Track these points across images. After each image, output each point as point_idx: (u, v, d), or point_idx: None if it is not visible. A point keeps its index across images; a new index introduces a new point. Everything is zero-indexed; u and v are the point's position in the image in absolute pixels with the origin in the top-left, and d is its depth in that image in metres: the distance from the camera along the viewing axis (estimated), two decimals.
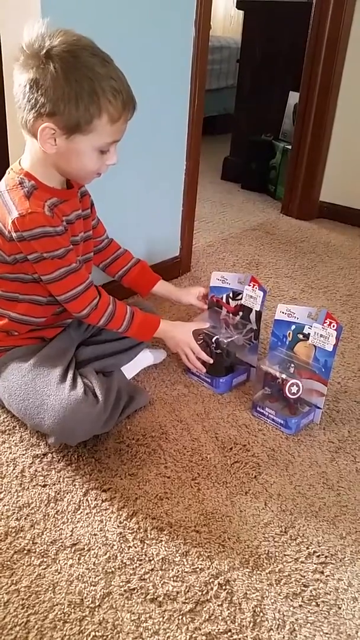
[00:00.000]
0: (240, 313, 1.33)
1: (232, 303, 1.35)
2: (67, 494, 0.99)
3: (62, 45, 0.90)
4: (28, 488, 1.00)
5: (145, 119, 1.54)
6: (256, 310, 1.30)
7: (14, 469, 1.04)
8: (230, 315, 1.35)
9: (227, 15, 4.94)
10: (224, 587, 0.85)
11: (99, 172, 1.05)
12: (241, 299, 1.32)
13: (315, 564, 0.90)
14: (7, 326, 1.11)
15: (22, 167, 1.03)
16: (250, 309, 1.30)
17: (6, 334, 1.12)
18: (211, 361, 1.26)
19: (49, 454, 1.07)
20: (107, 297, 1.11)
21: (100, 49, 0.96)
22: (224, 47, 4.00)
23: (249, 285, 1.30)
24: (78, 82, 0.91)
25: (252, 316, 1.31)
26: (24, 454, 1.07)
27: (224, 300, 1.36)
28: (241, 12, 3.06)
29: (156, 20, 1.46)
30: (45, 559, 0.87)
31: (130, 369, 1.28)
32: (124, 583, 0.84)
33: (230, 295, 1.35)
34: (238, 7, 3.05)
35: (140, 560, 0.88)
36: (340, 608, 0.84)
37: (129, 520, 0.95)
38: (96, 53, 0.94)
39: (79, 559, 0.88)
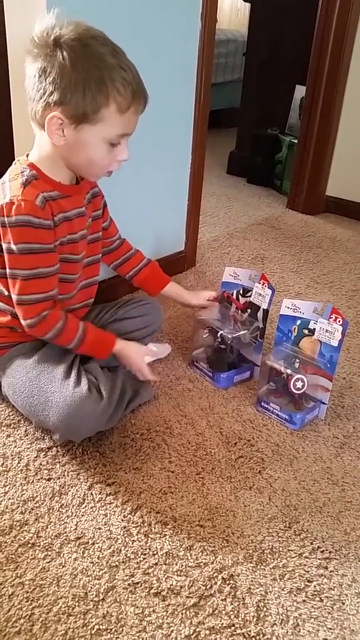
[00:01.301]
0: (249, 310, 1.33)
1: (242, 300, 1.35)
2: (72, 487, 1.00)
3: (72, 34, 0.90)
4: (33, 482, 1.00)
5: (151, 112, 1.53)
6: (263, 309, 1.29)
7: (18, 463, 1.04)
8: (239, 311, 1.35)
9: (233, 8, 4.91)
10: (227, 582, 0.85)
11: (110, 169, 1.03)
12: (251, 296, 1.32)
13: (319, 559, 0.90)
14: (11, 322, 1.10)
15: (29, 159, 1.03)
16: (258, 307, 1.30)
17: (10, 329, 1.12)
18: (156, 379, 1.23)
19: (54, 448, 1.08)
20: (59, 312, 1.05)
21: (111, 40, 0.95)
22: (230, 41, 3.97)
23: (259, 283, 1.29)
24: (86, 70, 0.90)
25: (260, 314, 1.30)
26: (28, 448, 1.08)
27: (234, 296, 1.36)
28: (247, 5, 3.05)
29: (162, 14, 1.46)
30: (49, 553, 0.88)
31: None
32: (128, 577, 0.85)
33: (241, 291, 1.35)
34: (245, 0, 3.03)
35: (145, 554, 0.89)
36: (344, 603, 0.84)
37: (133, 514, 0.95)
38: (106, 43, 0.93)
39: (83, 553, 0.88)
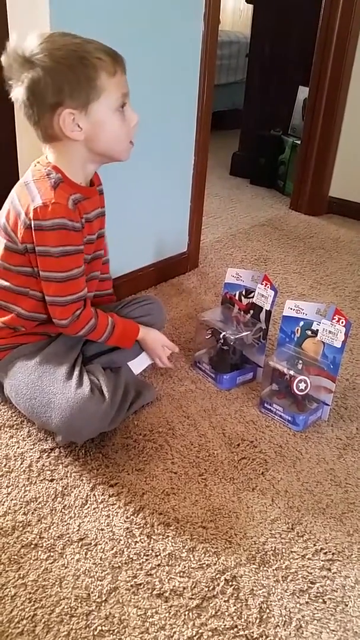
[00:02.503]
0: (251, 311, 1.33)
1: (244, 301, 1.35)
2: (75, 488, 1.00)
3: (34, 44, 0.93)
4: (35, 482, 1.00)
5: (154, 114, 1.54)
6: (266, 310, 1.29)
7: (21, 464, 1.04)
8: (242, 312, 1.35)
9: (236, 10, 4.91)
10: (230, 583, 0.85)
11: (130, 137, 1.05)
12: (253, 297, 1.32)
13: (322, 560, 0.90)
14: (15, 322, 1.10)
15: (49, 161, 1.03)
16: (261, 308, 1.30)
17: (13, 330, 1.12)
18: (176, 349, 1.28)
19: (57, 449, 1.08)
20: (90, 310, 1.09)
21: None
22: (233, 42, 3.97)
23: (261, 284, 1.29)
24: (66, 57, 0.93)
25: (262, 315, 1.30)
26: (31, 449, 1.08)
27: (237, 297, 1.36)
28: (250, 7, 3.04)
29: (165, 15, 1.46)
30: (52, 554, 0.88)
31: (137, 365, 1.27)
32: (130, 578, 0.85)
33: (243, 292, 1.35)
34: (247, 1, 3.03)
35: (147, 555, 0.88)
36: (347, 605, 0.83)
37: (135, 515, 0.95)
38: (66, 33, 0.97)
39: (85, 554, 0.88)
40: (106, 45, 0.98)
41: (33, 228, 0.99)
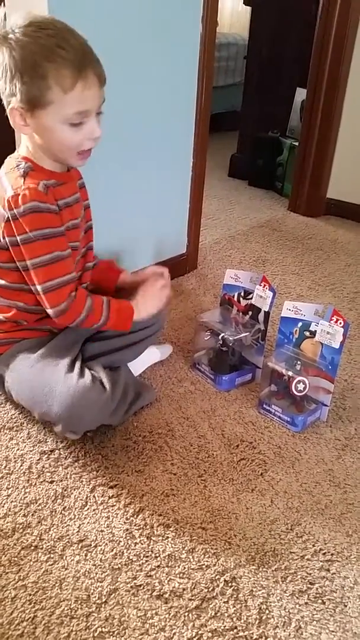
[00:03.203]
0: (250, 312, 1.33)
1: (243, 302, 1.35)
2: (74, 490, 1.00)
3: (16, 27, 0.91)
4: (35, 484, 1.00)
5: (152, 116, 1.54)
6: (265, 311, 1.29)
7: (21, 465, 1.04)
8: (240, 314, 1.35)
9: (234, 12, 4.91)
10: (230, 584, 0.85)
11: (83, 147, 1.00)
12: (252, 298, 1.32)
13: (321, 561, 0.90)
14: (16, 316, 1.11)
15: (20, 153, 1.05)
16: (260, 309, 1.30)
17: (15, 324, 1.12)
18: (166, 272, 1.23)
19: (56, 451, 1.08)
20: (83, 290, 1.09)
21: (58, 20, 0.95)
22: (231, 44, 3.98)
23: (260, 285, 1.29)
24: (23, 58, 0.91)
25: (261, 316, 1.30)
26: (31, 451, 1.08)
27: (236, 298, 1.36)
28: (248, 9, 3.05)
29: (163, 17, 1.46)
30: (52, 555, 0.88)
31: (137, 366, 1.28)
32: (130, 579, 0.85)
33: (242, 294, 1.35)
34: (245, 3, 3.03)
35: (147, 556, 0.89)
36: (346, 606, 0.84)
37: (135, 516, 0.95)
38: (45, 27, 0.92)
39: (85, 555, 0.88)
40: (82, 54, 0.93)
41: (11, 219, 0.99)
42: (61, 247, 1.03)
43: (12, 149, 1.12)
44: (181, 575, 0.86)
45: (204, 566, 0.88)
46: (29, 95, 0.93)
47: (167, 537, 0.92)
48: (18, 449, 1.08)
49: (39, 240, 1.00)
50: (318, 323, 1.20)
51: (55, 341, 1.13)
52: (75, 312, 1.05)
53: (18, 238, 1.00)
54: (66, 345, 1.12)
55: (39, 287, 1.03)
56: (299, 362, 1.22)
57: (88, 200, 1.18)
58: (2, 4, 1.08)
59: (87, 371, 1.06)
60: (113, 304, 1.11)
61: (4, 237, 1.03)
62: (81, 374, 1.05)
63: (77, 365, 1.07)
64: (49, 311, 1.05)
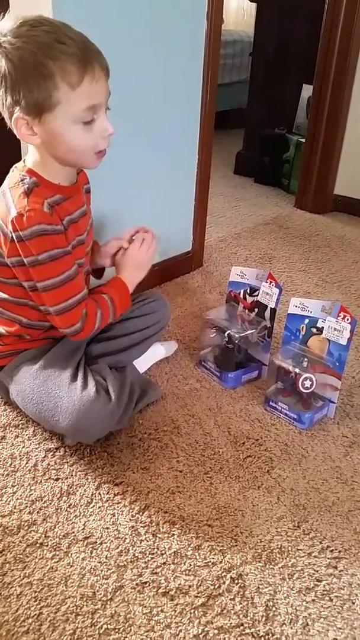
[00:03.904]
0: (256, 309, 1.32)
1: (249, 299, 1.35)
2: (80, 487, 1.00)
3: (6, 32, 0.87)
4: (41, 482, 1.00)
5: (157, 113, 1.54)
6: (271, 308, 1.29)
7: (27, 463, 1.04)
8: (246, 311, 1.35)
9: (239, 9, 4.90)
10: (236, 581, 0.85)
11: (98, 148, 0.97)
12: (258, 295, 1.31)
13: (328, 558, 0.89)
14: (19, 331, 1.10)
15: (26, 164, 1.00)
16: (266, 306, 1.30)
17: (17, 337, 1.11)
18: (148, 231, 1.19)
19: (62, 448, 1.08)
20: (90, 301, 1.05)
21: (49, 18, 0.90)
22: (236, 41, 3.97)
23: (266, 282, 1.29)
24: (22, 61, 0.86)
25: (267, 313, 1.30)
26: (37, 448, 1.08)
27: (242, 295, 1.36)
28: (254, 5, 3.04)
29: (168, 15, 1.46)
30: (57, 552, 0.88)
31: (142, 363, 1.27)
32: (136, 576, 0.84)
33: (248, 291, 1.35)
34: (251, 0, 3.02)
35: (153, 553, 0.88)
36: (354, 603, 0.83)
37: (141, 514, 0.95)
38: (38, 24, 0.87)
39: (91, 553, 0.88)
40: (84, 47, 0.88)
41: (15, 240, 0.96)
42: (70, 267, 1.00)
43: (16, 154, 1.10)
44: (187, 572, 0.86)
45: (210, 563, 0.87)
46: (35, 99, 0.88)
47: (173, 534, 0.92)
48: (23, 447, 1.08)
49: (48, 262, 0.96)
50: (325, 320, 1.19)
51: (57, 349, 1.11)
52: (89, 328, 1.05)
53: (25, 260, 0.97)
54: (68, 352, 1.11)
55: (50, 309, 1.01)
56: (305, 359, 1.21)
57: (87, 206, 1.14)
58: (7, 12, 1.06)
59: (90, 380, 1.04)
60: (115, 297, 1.10)
61: (8, 257, 1.00)
62: (85, 384, 1.03)
63: (80, 374, 1.05)
64: (64, 331, 1.04)
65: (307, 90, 2.66)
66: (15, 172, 1.01)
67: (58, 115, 0.90)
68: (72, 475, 1.02)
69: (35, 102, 0.88)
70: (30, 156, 1.01)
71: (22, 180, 0.98)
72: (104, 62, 0.92)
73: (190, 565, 0.87)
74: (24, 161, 1.02)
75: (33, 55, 0.86)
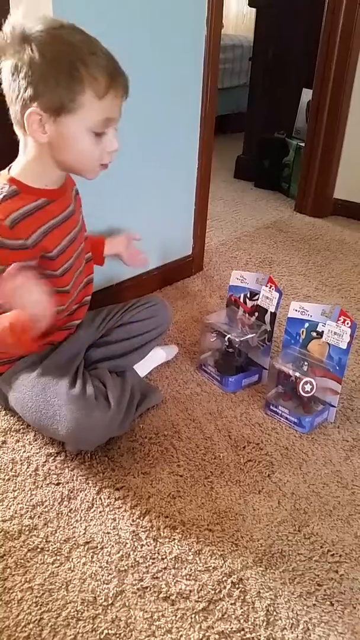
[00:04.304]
0: (256, 313, 1.32)
1: (249, 303, 1.35)
2: (81, 492, 1.00)
3: (39, 26, 0.88)
4: (42, 486, 1.00)
5: (157, 118, 1.54)
6: (271, 312, 1.29)
7: (27, 468, 1.04)
8: (247, 315, 1.35)
9: (239, 14, 4.93)
10: (237, 586, 0.85)
11: (102, 161, 0.98)
12: (258, 299, 1.31)
13: (329, 562, 0.89)
14: None
15: (10, 173, 0.99)
16: (266, 310, 1.30)
17: None
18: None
19: (62, 453, 1.08)
20: None
21: (81, 29, 0.92)
22: (236, 46, 3.99)
23: (266, 286, 1.29)
24: (56, 59, 0.87)
25: (267, 317, 1.30)
26: (37, 453, 1.08)
27: (242, 299, 1.36)
28: (254, 10, 3.05)
29: (168, 20, 1.46)
30: (58, 557, 0.88)
31: (143, 367, 1.28)
32: (136, 581, 0.84)
33: (248, 295, 1.35)
34: (250, 4, 3.03)
35: (153, 558, 0.88)
36: (355, 608, 0.83)
37: (141, 518, 0.95)
38: (75, 31, 0.90)
39: (92, 557, 0.88)
40: (113, 63, 0.92)
41: None
42: None
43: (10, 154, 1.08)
44: (188, 577, 0.86)
45: (210, 568, 0.87)
46: (60, 98, 0.88)
47: (174, 539, 0.92)
48: (24, 451, 1.08)
49: None
50: (325, 323, 1.19)
51: (55, 356, 1.10)
52: None
53: None
54: (67, 359, 1.10)
55: None
56: (306, 363, 1.21)
57: (73, 207, 1.11)
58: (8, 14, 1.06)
59: (89, 387, 1.03)
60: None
61: None
62: (83, 391, 1.02)
63: (79, 381, 1.05)
64: None
65: (306, 95, 2.67)
66: None
67: (75, 120, 0.91)
68: (72, 479, 1.02)
69: (59, 101, 0.89)
70: (20, 162, 0.99)
71: (1, 189, 0.97)
72: (127, 82, 0.95)
73: (191, 569, 0.87)
74: (8, 170, 1.00)
75: (68, 55, 0.88)
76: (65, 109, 0.90)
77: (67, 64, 0.87)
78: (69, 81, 0.88)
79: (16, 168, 1.00)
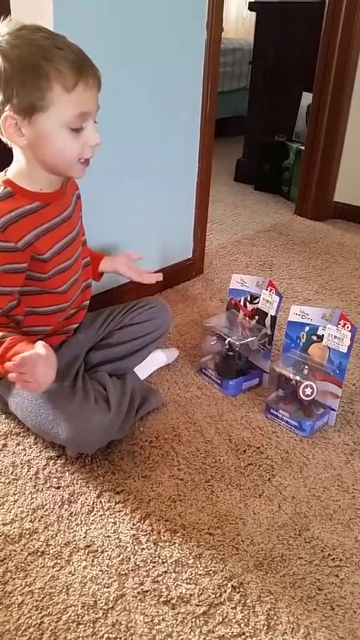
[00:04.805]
0: (257, 317, 1.33)
1: (249, 307, 1.35)
2: (81, 495, 1.00)
3: (4, 33, 0.88)
4: (42, 490, 1.00)
5: (157, 121, 1.55)
6: (271, 315, 1.29)
7: (28, 471, 1.04)
8: (247, 318, 1.35)
9: (239, 17, 4.94)
10: (237, 590, 0.85)
11: (83, 156, 0.97)
12: (258, 302, 1.32)
13: (330, 567, 0.89)
14: None
15: (6, 175, 1.00)
16: (266, 314, 1.30)
17: None
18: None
19: (63, 456, 1.08)
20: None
21: (46, 28, 0.92)
22: (236, 49, 4.00)
23: (266, 290, 1.29)
24: (20, 59, 0.87)
25: (267, 321, 1.30)
26: (38, 456, 1.08)
27: (242, 303, 1.36)
28: (253, 14, 3.06)
29: (168, 23, 1.47)
30: (59, 561, 0.87)
31: (143, 370, 1.28)
32: (137, 585, 0.84)
33: (248, 298, 1.35)
34: (250, 8, 3.04)
35: (154, 562, 0.88)
36: (355, 612, 0.83)
37: (142, 522, 0.95)
38: (40, 30, 0.90)
39: (92, 561, 0.88)
40: (80, 55, 0.91)
41: None
42: (1, 284, 0.97)
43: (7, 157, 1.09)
44: (188, 580, 0.86)
45: (211, 572, 0.87)
46: (29, 98, 0.88)
47: (174, 543, 0.92)
48: (25, 455, 1.08)
49: None
50: (325, 327, 1.19)
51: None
52: None
53: None
54: (66, 363, 1.10)
55: None
56: (306, 367, 1.21)
57: (71, 211, 1.10)
58: (8, 16, 1.06)
59: (90, 390, 1.04)
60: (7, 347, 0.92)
61: None
62: (84, 395, 1.02)
63: (79, 385, 1.05)
64: None
65: (306, 98, 2.67)
66: None
67: (49, 117, 0.90)
68: (73, 483, 1.02)
69: (29, 102, 0.89)
70: (14, 164, 1.00)
71: None
72: (97, 73, 0.93)
73: (192, 573, 0.87)
74: (5, 172, 1.01)
75: (31, 55, 0.87)
76: (36, 107, 0.90)
77: (31, 62, 0.87)
78: (35, 79, 0.87)
79: (12, 171, 1.00)
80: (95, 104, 0.95)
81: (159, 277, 1.33)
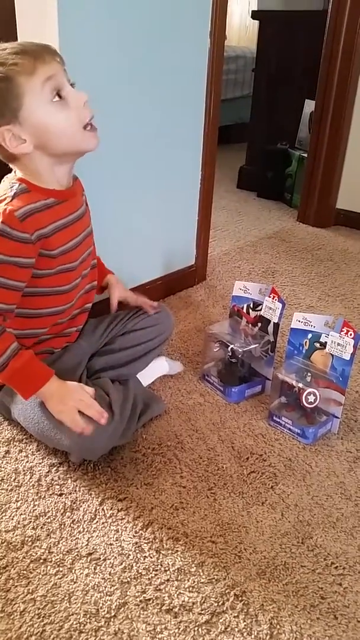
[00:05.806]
0: (259, 324, 1.33)
1: (252, 313, 1.35)
2: (83, 503, 0.99)
3: None
4: (44, 497, 1.00)
5: (161, 128, 1.56)
6: (274, 322, 1.29)
7: (30, 478, 1.04)
8: (250, 325, 1.35)
9: (242, 25, 4.96)
10: (240, 598, 0.84)
11: (85, 120, 0.97)
12: (261, 309, 1.32)
13: (333, 575, 0.89)
14: None
15: (17, 174, 1.01)
16: (269, 320, 1.30)
17: None
18: (103, 419, 1.01)
19: (65, 463, 1.08)
20: (8, 334, 0.99)
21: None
22: (239, 57, 4.01)
23: (269, 297, 1.29)
24: None
25: (270, 328, 1.30)
26: (40, 463, 1.08)
27: (245, 310, 1.36)
28: (256, 22, 3.08)
29: (171, 31, 1.48)
30: (61, 569, 0.87)
31: (146, 377, 1.27)
32: (139, 593, 0.84)
33: (251, 305, 1.35)
34: (253, 17, 3.06)
35: (156, 570, 0.88)
36: (359, 621, 0.82)
37: (144, 530, 0.95)
38: None
39: (94, 569, 0.87)
40: (28, 44, 0.93)
41: None
42: (10, 277, 0.97)
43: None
44: (191, 589, 0.85)
45: (213, 580, 0.87)
46: (5, 102, 0.91)
47: (177, 551, 0.91)
48: (27, 462, 1.08)
49: None
50: (328, 334, 1.19)
51: (56, 367, 1.08)
52: None
53: None
54: (69, 369, 1.10)
55: None
56: (309, 374, 1.21)
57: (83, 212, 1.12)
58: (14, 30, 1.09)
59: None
60: (19, 359, 0.98)
61: None
62: None
63: None
64: None
65: (309, 106, 2.68)
66: (6, 182, 1.02)
67: (29, 105, 0.92)
68: (75, 490, 1.02)
69: (6, 106, 0.91)
70: (20, 172, 1.01)
71: (11, 187, 0.98)
72: (50, 48, 0.95)
73: (194, 582, 0.86)
74: (14, 172, 1.02)
75: None
76: (15, 106, 0.92)
77: None
78: (3, 88, 0.90)
79: (20, 173, 1.01)
80: (59, 69, 0.95)
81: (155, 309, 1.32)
